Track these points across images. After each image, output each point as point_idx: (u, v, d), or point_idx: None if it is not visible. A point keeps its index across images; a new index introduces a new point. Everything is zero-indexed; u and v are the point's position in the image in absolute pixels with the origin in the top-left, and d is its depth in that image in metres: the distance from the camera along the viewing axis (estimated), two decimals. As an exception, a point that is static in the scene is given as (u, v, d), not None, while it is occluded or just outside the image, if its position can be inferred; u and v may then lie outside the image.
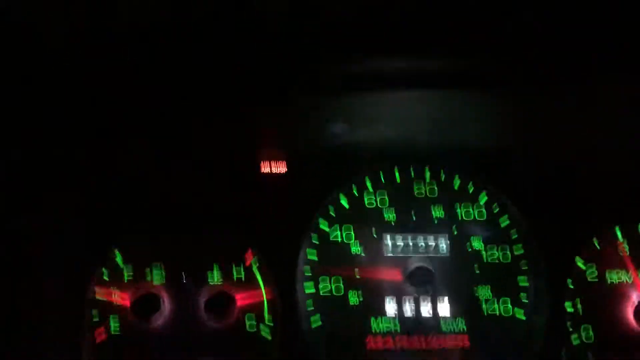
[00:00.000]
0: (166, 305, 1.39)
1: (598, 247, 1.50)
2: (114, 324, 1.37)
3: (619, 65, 1.17)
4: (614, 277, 1.50)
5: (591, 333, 1.47)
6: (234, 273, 1.43)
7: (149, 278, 1.40)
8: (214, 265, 1.42)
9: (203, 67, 1.17)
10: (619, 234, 1.51)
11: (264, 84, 1.21)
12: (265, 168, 1.48)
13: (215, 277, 1.42)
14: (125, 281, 1.40)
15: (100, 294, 1.39)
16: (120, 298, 1.38)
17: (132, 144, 1.43)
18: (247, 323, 1.40)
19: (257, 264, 1.44)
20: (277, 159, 1.49)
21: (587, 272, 1.49)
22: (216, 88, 1.23)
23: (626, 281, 1.49)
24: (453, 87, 1.21)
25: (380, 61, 1.17)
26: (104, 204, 1.44)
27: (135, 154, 1.46)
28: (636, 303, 1.46)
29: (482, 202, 1.53)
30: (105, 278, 1.40)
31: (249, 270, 1.44)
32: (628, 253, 1.51)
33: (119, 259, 1.41)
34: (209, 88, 1.23)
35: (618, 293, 1.49)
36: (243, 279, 1.43)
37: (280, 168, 1.48)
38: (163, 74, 1.19)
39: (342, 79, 1.20)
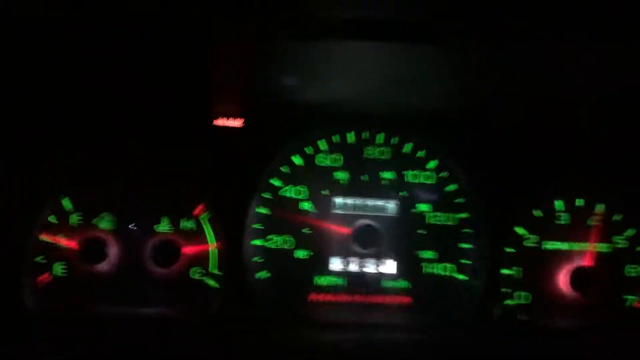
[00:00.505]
0: (112, 251, 1.40)
1: (539, 216, 1.56)
2: (58, 268, 1.39)
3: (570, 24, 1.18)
4: (552, 245, 1.56)
5: (525, 296, 1.54)
6: (182, 223, 1.44)
7: (96, 223, 1.41)
8: (164, 217, 1.44)
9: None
10: (559, 205, 1.58)
11: (220, 20, 1.18)
12: (219, 121, 1.48)
13: (163, 226, 1.43)
14: (73, 226, 1.41)
15: (46, 239, 1.40)
16: (66, 242, 1.39)
17: (86, 93, 1.42)
18: (193, 271, 1.43)
19: (208, 216, 1.46)
20: (231, 114, 1.50)
21: (527, 240, 1.56)
22: (170, 29, 1.20)
23: (563, 249, 1.56)
24: (406, 39, 1.21)
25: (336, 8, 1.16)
26: (55, 153, 1.43)
27: (89, 104, 1.45)
28: (572, 270, 1.53)
29: (431, 167, 1.57)
30: (53, 222, 1.40)
31: (198, 221, 1.46)
32: (567, 224, 1.57)
33: (68, 206, 1.41)
34: (162, 30, 1.20)
35: (554, 261, 1.56)
36: (191, 229, 1.45)
37: (235, 122, 1.49)
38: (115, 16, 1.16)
39: (298, 25, 1.19)
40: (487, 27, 1.17)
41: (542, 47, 1.22)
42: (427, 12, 1.14)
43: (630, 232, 1.57)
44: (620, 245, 1.57)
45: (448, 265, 1.55)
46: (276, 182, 1.52)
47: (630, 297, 1.56)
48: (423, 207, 1.55)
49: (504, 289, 1.52)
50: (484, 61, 1.31)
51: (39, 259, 1.39)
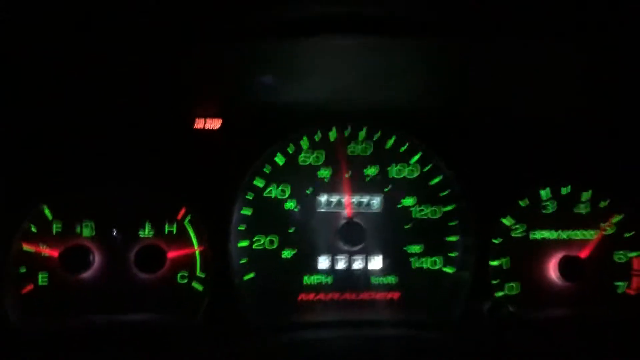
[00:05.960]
0: (96, 257, 1.39)
1: (525, 206, 1.55)
2: (42, 276, 1.37)
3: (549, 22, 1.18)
4: (539, 235, 1.56)
5: (515, 287, 1.53)
6: (166, 227, 1.43)
7: (78, 231, 1.40)
8: (146, 222, 1.42)
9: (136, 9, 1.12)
10: (546, 193, 1.57)
11: (196, 24, 1.17)
12: (198, 124, 1.47)
13: (146, 231, 1.42)
14: (54, 234, 1.39)
15: (28, 248, 1.38)
16: (49, 251, 1.38)
17: (62, 99, 1.40)
18: (179, 275, 1.43)
19: (189, 218, 1.45)
20: (212, 115, 1.49)
21: (514, 230, 1.55)
22: (148, 32, 1.19)
23: (551, 238, 1.56)
24: (386, 34, 1.19)
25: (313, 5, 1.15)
26: (33, 160, 1.42)
27: (67, 111, 1.44)
28: (560, 259, 1.53)
29: (414, 161, 1.56)
30: (34, 230, 1.39)
31: (181, 225, 1.44)
32: (554, 212, 1.56)
33: (47, 214, 1.40)
34: (139, 32, 1.18)
35: (542, 250, 1.55)
36: (175, 232, 1.44)
37: (214, 124, 1.48)
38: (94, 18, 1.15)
39: (274, 24, 1.17)
40: (467, 23, 1.16)
41: (523, 42, 1.20)
42: (406, 7, 1.13)
43: (617, 218, 1.57)
44: (608, 232, 1.57)
45: (436, 258, 1.54)
46: (259, 183, 1.51)
47: (621, 283, 1.56)
48: (408, 201, 1.54)
49: (493, 281, 1.52)
50: (463, 56, 1.30)
51: (22, 269, 1.38)
